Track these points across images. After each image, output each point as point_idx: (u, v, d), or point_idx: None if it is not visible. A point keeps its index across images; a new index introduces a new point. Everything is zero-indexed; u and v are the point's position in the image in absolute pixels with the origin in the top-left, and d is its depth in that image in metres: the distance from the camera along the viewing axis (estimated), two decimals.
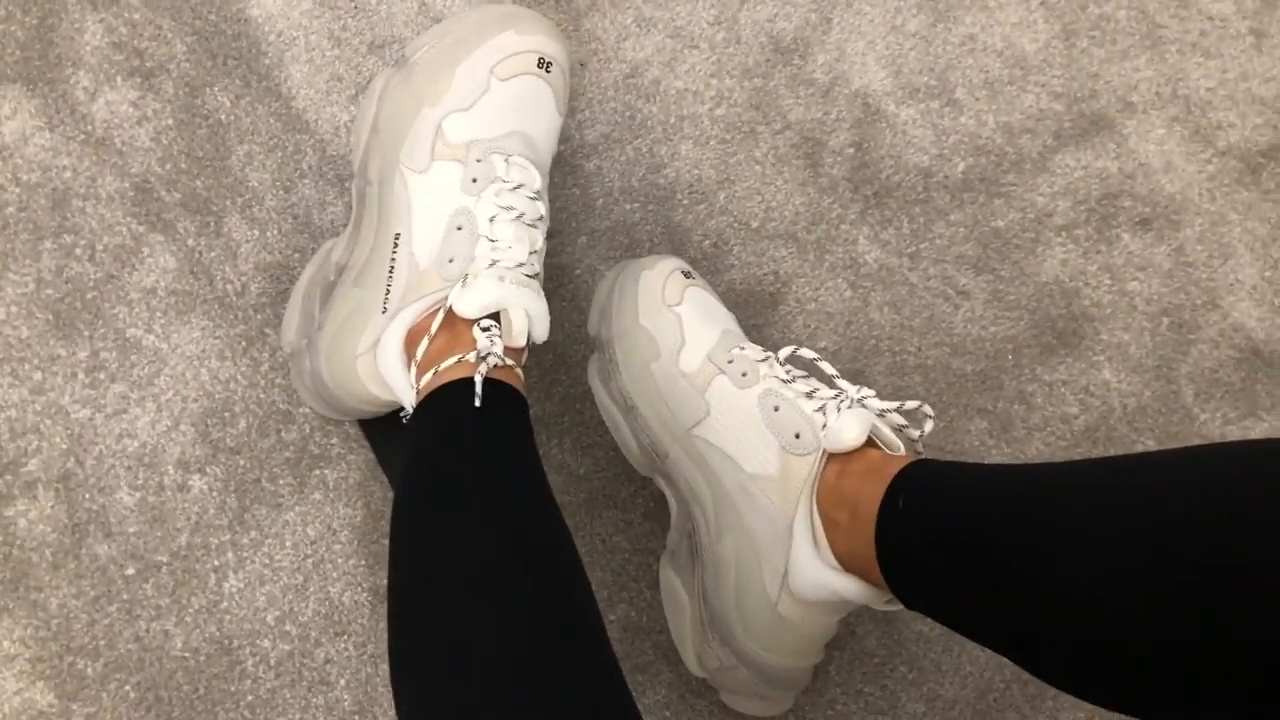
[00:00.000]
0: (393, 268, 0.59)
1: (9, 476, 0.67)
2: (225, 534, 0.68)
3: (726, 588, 0.59)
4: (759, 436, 0.58)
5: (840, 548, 0.55)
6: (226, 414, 0.70)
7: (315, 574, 0.68)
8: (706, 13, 0.77)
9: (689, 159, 0.75)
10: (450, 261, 0.58)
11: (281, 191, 0.73)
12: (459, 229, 0.58)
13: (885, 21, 0.77)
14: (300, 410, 0.70)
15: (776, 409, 0.58)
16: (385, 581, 0.67)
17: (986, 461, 0.72)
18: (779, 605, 0.57)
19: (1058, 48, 0.78)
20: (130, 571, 0.67)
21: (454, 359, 0.55)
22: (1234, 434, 0.73)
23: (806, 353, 0.61)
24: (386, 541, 0.68)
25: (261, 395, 0.70)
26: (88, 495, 0.68)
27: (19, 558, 0.67)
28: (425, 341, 0.57)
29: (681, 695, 0.68)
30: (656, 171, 0.75)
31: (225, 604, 0.68)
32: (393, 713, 0.63)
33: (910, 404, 0.57)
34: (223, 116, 0.73)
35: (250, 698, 0.67)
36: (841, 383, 0.58)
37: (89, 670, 0.66)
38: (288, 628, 0.68)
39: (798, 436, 0.57)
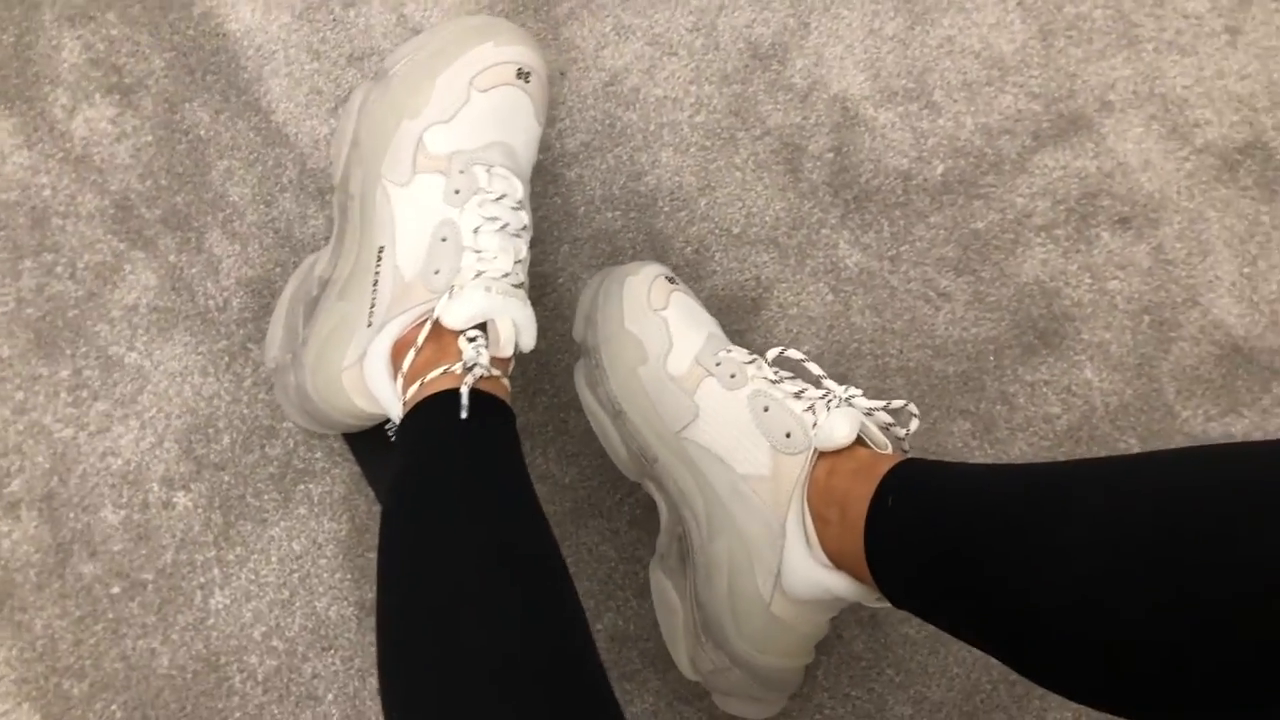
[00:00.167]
0: (377, 281, 0.59)
1: None
2: (210, 550, 0.68)
3: (719, 589, 0.59)
4: (749, 437, 0.58)
5: (831, 546, 0.55)
6: (210, 430, 0.69)
7: (301, 589, 0.68)
8: (685, 19, 0.77)
9: (669, 166, 0.75)
10: (436, 273, 0.58)
11: (262, 206, 0.73)
12: (443, 240, 0.58)
13: (863, 25, 0.78)
14: (284, 425, 0.70)
15: (766, 409, 0.58)
16: (372, 595, 0.67)
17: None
18: (772, 605, 0.57)
19: (1035, 48, 0.78)
20: (115, 590, 0.67)
21: (440, 370, 0.56)
22: (1216, 430, 0.73)
23: (794, 354, 0.62)
24: (372, 555, 0.68)
25: (245, 411, 0.70)
26: (72, 514, 0.68)
27: (3, 579, 0.67)
28: (411, 353, 0.57)
29: (669, 703, 0.68)
30: (637, 179, 0.75)
31: (211, 621, 0.67)
32: None
33: (896, 403, 0.57)
34: (202, 132, 0.73)
35: (238, 714, 0.67)
36: (828, 383, 0.59)
37: (75, 690, 0.66)
38: (274, 643, 0.67)
39: (789, 436, 0.57)
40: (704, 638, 0.61)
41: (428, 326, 0.57)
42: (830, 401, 0.57)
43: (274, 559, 0.68)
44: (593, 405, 0.66)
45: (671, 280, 0.66)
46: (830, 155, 0.76)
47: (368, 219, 0.61)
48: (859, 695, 0.69)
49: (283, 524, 0.69)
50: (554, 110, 0.75)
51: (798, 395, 0.58)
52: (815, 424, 0.56)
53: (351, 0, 0.76)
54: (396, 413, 0.57)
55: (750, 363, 0.61)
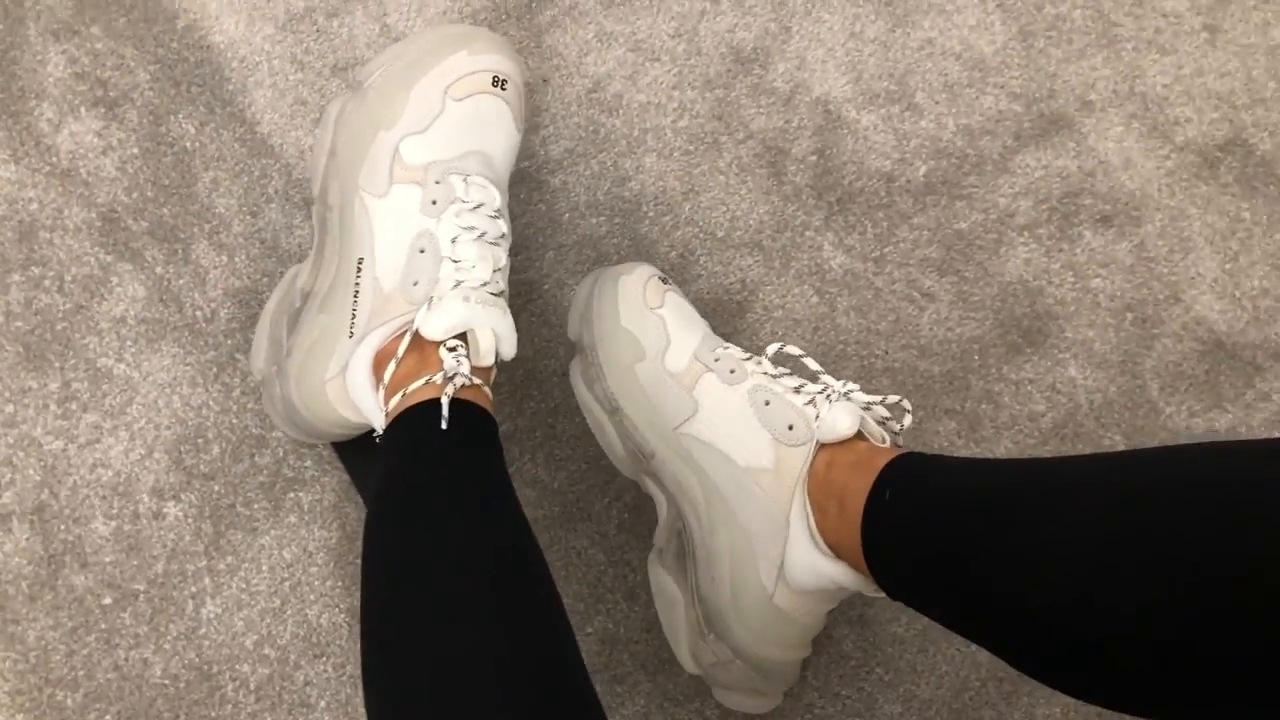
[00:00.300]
0: (357, 292, 0.60)
1: None
2: (202, 560, 0.68)
3: (722, 582, 0.59)
4: (751, 430, 0.59)
5: (830, 537, 0.56)
6: (200, 440, 0.70)
7: (292, 597, 0.69)
8: (667, 25, 0.77)
9: (653, 171, 0.75)
10: (415, 284, 0.58)
11: (248, 216, 0.73)
12: (421, 251, 0.59)
13: (844, 28, 0.78)
14: (273, 434, 0.70)
15: (767, 403, 0.59)
16: None
17: None
18: (775, 596, 0.58)
19: (1015, 49, 0.78)
20: (107, 601, 0.68)
21: (422, 380, 0.56)
22: (1199, 426, 0.74)
23: (792, 349, 0.63)
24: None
25: (234, 420, 0.70)
26: (63, 526, 0.68)
27: None
28: (392, 365, 0.57)
29: (660, 705, 0.69)
30: (621, 185, 0.75)
31: (203, 630, 0.68)
32: None
33: (892, 398, 0.59)
34: (188, 144, 0.73)
35: None
36: (826, 378, 0.60)
37: (69, 701, 0.66)
38: (266, 651, 0.68)
39: (791, 428, 0.58)
40: (706, 631, 0.61)
41: (408, 338, 0.57)
42: (830, 395, 0.58)
43: (265, 568, 0.69)
44: (589, 402, 0.66)
45: (664, 280, 0.67)
46: (813, 158, 0.76)
47: (347, 231, 0.61)
48: (849, 694, 0.69)
49: (273, 532, 0.69)
50: (537, 117, 0.76)
51: (797, 390, 0.59)
52: (818, 416, 0.57)
53: (335, 11, 0.76)
54: (379, 423, 0.58)
55: (748, 359, 0.62)
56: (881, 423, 0.58)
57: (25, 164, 0.72)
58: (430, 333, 0.57)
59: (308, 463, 0.70)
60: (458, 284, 0.58)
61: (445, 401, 0.54)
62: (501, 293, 0.60)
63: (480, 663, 0.44)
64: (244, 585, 0.68)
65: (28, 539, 0.68)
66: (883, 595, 0.55)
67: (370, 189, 0.60)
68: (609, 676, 0.69)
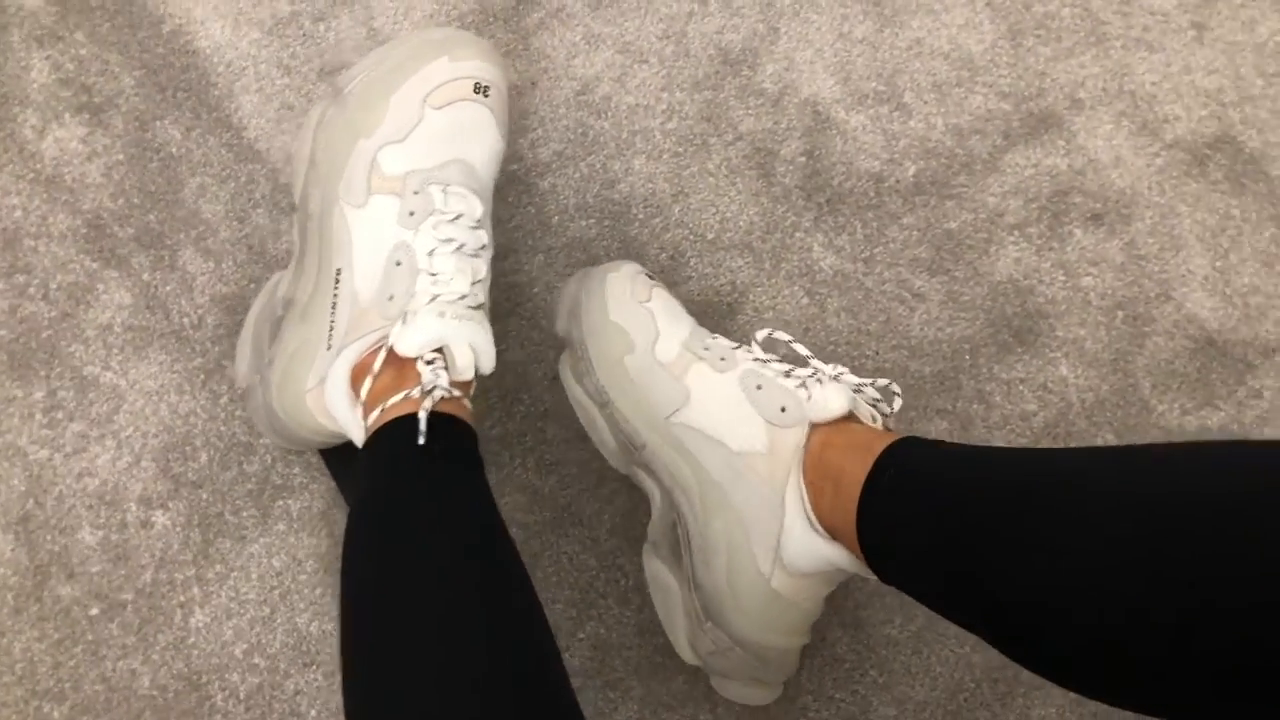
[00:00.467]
0: (335, 304, 0.59)
1: None
2: (190, 569, 0.68)
3: (718, 570, 0.59)
4: (743, 415, 0.59)
5: (825, 519, 0.56)
6: (187, 448, 0.69)
7: (282, 605, 0.68)
8: (655, 27, 0.77)
9: (642, 173, 0.75)
10: (390, 299, 0.57)
11: (235, 222, 0.72)
12: (398, 264, 0.58)
13: (832, 29, 0.78)
14: (261, 442, 0.70)
15: (759, 387, 0.59)
16: None
17: None
18: (773, 580, 0.57)
19: (1004, 48, 0.78)
20: (94, 611, 0.67)
21: (400, 395, 0.55)
22: (1192, 424, 0.73)
23: (781, 335, 0.63)
24: None
25: (222, 428, 0.70)
26: (49, 536, 0.68)
27: None
28: (369, 380, 0.57)
29: (654, 710, 0.68)
30: (611, 187, 0.75)
31: (192, 639, 0.67)
32: None
33: (881, 381, 0.60)
34: (174, 149, 0.73)
35: None
36: (816, 362, 0.60)
37: (55, 714, 0.66)
38: (256, 660, 0.67)
39: (783, 410, 0.58)
40: (704, 619, 0.61)
41: (383, 353, 0.57)
42: (820, 378, 0.58)
43: (254, 576, 0.68)
44: (580, 396, 0.66)
45: (650, 277, 0.67)
46: (802, 159, 0.76)
47: (326, 241, 0.60)
48: (843, 697, 0.69)
49: (262, 540, 0.69)
50: (526, 120, 0.76)
51: (787, 375, 0.60)
52: (809, 397, 0.57)
53: (321, 15, 0.76)
54: (358, 438, 0.57)
55: (737, 348, 0.62)
56: (872, 405, 0.59)
57: (9, 171, 0.72)
58: (404, 349, 0.56)
59: (296, 470, 0.70)
60: (434, 298, 0.57)
61: (423, 416, 0.53)
62: (480, 305, 0.59)
63: (459, 679, 0.43)
64: (233, 594, 0.68)
65: (13, 550, 0.67)
66: (874, 578, 0.55)
67: (349, 199, 0.60)
68: (601, 682, 0.69)
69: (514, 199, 0.75)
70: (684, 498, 0.61)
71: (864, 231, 0.75)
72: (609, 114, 0.76)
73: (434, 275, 0.57)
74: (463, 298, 0.58)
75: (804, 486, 0.56)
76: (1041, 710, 0.69)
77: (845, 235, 0.75)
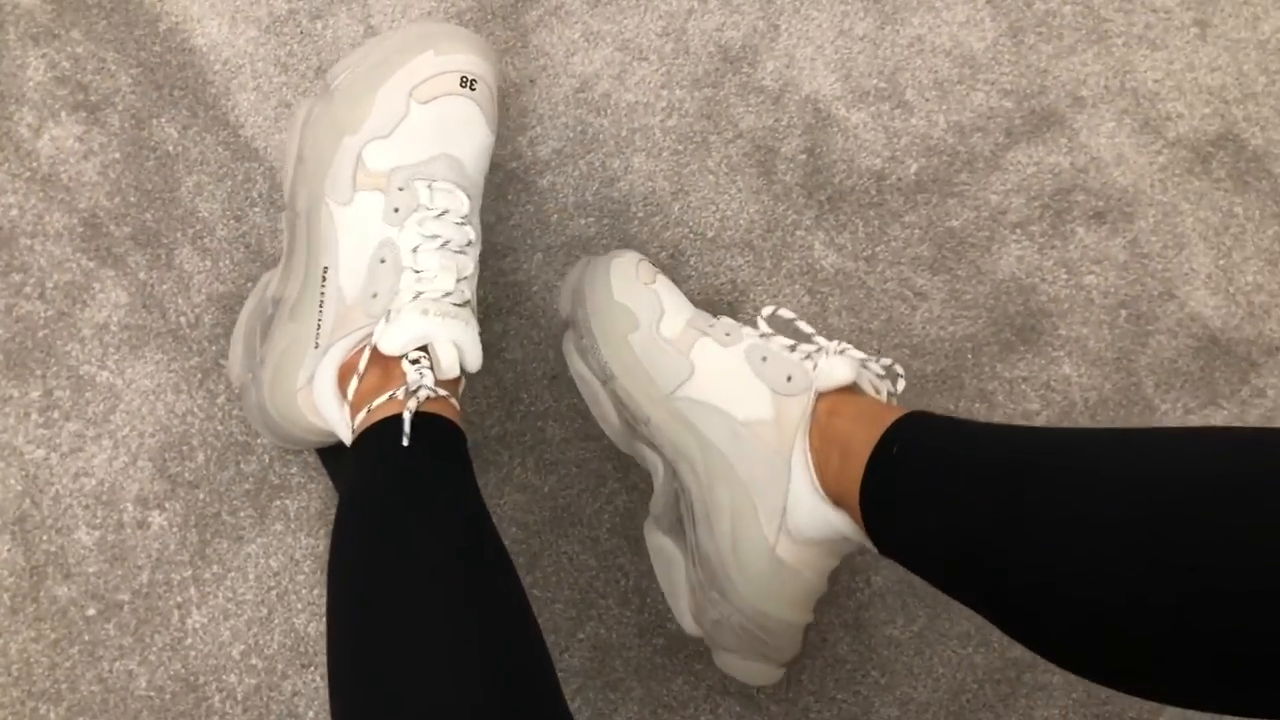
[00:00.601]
0: (323, 302, 0.58)
1: None
2: (187, 569, 0.67)
3: (722, 537, 0.59)
4: (749, 385, 0.59)
5: (829, 486, 0.55)
6: (184, 448, 0.69)
7: (279, 605, 0.68)
8: (654, 24, 0.77)
9: (642, 171, 0.75)
10: (374, 297, 0.57)
11: (232, 221, 0.72)
12: (382, 261, 0.57)
13: (833, 26, 0.78)
14: (258, 441, 0.69)
15: (764, 359, 0.60)
16: None
17: None
18: (777, 548, 0.57)
19: (1006, 45, 0.78)
20: (91, 612, 0.67)
21: (385, 396, 0.55)
22: (1195, 423, 0.73)
23: (786, 313, 0.64)
24: None
25: (219, 428, 0.69)
26: (45, 536, 0.67)
27: None
28: (355, 380, 0.56)
29: (654, 711, 0.68)
30: (610, 185, 0.75)
31: (189, 640, 0.67)
32: None
33: (885, 360, 0.60)
34: (170, 148, 0.73)
35: None
36: (820, 339, 0.61)
37: (52, 715, 0.65)
38: (253, 661, 0.67)
39: (789, 379, 0.58)
40: (708, 589, 0.60)
41: (368, 352, 0.56)
42: (825, 352, 0.59)
43: (251, 576, 0.68)
44: (584, 373, 0.66)
45: (653, 265, 0.68)
46: (803, 157, 0.76)
47: (313, 238, 0.60)
48: (845, 698, 0.68)
49: (259, 541, 0.68)
50: (525, 118, 0.75)
51: (792, 349, 0.60)
52: (815, 367, 0.58)
53: (318, 13, 0.75)
54: (346, 438, 0.56)
55: (742, 326, 0.63)
56: (876, 380, 0.59)
57: (5, 169, 0.71)
58: (387, 348, 0.56)
59: (294, 470, 0.69)
60: (417, 295, 0.56)
61: (407, 417, 0.53)
62: (467, 302, 0.59)
63: (440, 682, 0.43)
64: (230, 594, 0.67)
65: (9, 550, 0.67)
66: (875, 549, 0.54)
67: (335, 196, 0.59)
68: (601, 683, 0.68)
69: (513, 197, 0.74)
70: (688, 468, 0.61)
71: (865, 230, 0.75)
72: (608, 111, 0.75)
73: (418, 272, 0.57)
74: (447, 295, 0.57)
75: (810, 453, 0.56)
76: (1044, 711, 0.69)
77: (847, 233, 0.75)
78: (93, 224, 0.71)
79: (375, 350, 0.56)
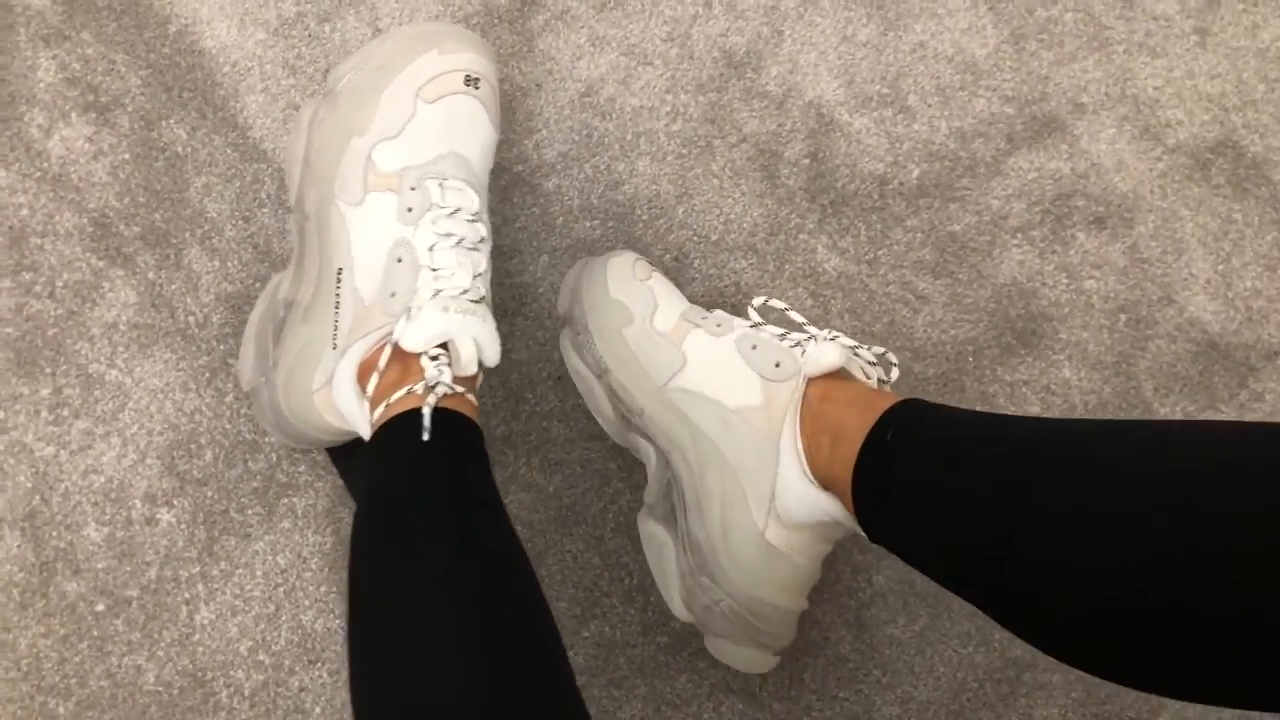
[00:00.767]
0: (338, 304, 0.59)
1: None
2: (195, 566, 0.68)
3: (712, 523, 0.59)
4: (739, 373, 0.60)
5: (820, 472, 0.56)
6: (193, 446, 0.69)
7: (287, 602, 0.68)
8: (659, 29, 0.78)
9: (647, 175, 0.75)
10: (393, 296, 0.58)
11: (241, 221, 0.73)
12: (399, 261, 0.58)
13: (836, 32, 0.78)
14: (266, 439, 0.70)
15: (754, 348, 0.60)
16: None
17: None
18: (767, 532, 0.58)
19: (1007, 52, 0.79)
20: (100, 608, 0.67)
21: (404, 391, 0.55)
22: None
23: (777, 303, 0.65)
24: None
25: (227, 426, 0.70)
26: (55, 533, 0.68)
27: None
28: (375, 377, 0.57)
29: (657, 708, 0.69)
30: (615, 188, 0.75)
31: (197, 636, 0.67)
32: None
33: (877, 349, 0.61)
34: (179, 149, 0.73)
35: None
36: (811, 328, 0.61)
37: (61, 709, 0.66)
38: (261, 657, 0.67)
39: (778, 365, 0.59)
40: (698, 574, 0.61)
41: (388, 349, 0.57)
42: (815, 339, 0.60)
43: (259, 573, 0.68)
44: (579, 367, 0.67)
45: (650, 264, 0.68)
46: (806, 161, 0.76)
47: (325, 241, 0.60)
48: (846, 697, 0.69)
49: (267, 538, 0.69)
50: (530, 122, 0.76)
51: (782, 337, 0.61)
52: (804, 353, 0.59)
53: (326, 15, 0.76)
54: (366, 433, 0.57)
55: (733, 318, 0.64)
56: (868, 367, 0.60)
57: (16, 170, 0.72)
58: (410, 345, 0.56)
59: (301, 468, 0.70)
60: (436, 293, 0.57)
61: (426, 412, 0.53)
62: (482, 299, 0.60)
63: (460, 677, 0.43)
64: (238, 591, 0.68)
65: (19, 546, 0.67)
66: (865, 535, 0.55)
67: (345, 198, 0.60)
68: (605, 680, 0.69)
69: (519, 200, 0.75)
70: (680, 457, 0.61)
71: (868, 234, 0.75)
72: (613, 116, 0.76)
73: (435, 270, 0.58)
74: (465, 292, 0.58)
75: (800, 438, 0.57)
76: (1044, 710, 0.69)
77: (849, 237, 0.75)
78: (102, 224, 0.72)
79: (396, 348, 0.57)
